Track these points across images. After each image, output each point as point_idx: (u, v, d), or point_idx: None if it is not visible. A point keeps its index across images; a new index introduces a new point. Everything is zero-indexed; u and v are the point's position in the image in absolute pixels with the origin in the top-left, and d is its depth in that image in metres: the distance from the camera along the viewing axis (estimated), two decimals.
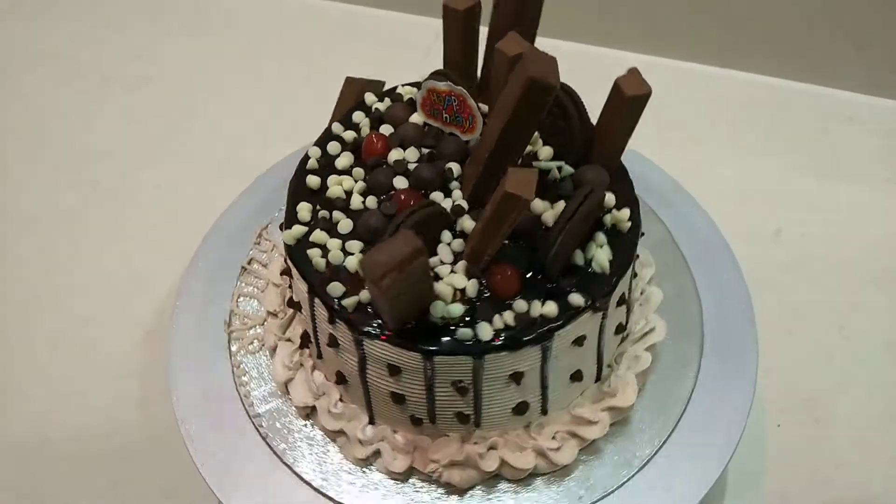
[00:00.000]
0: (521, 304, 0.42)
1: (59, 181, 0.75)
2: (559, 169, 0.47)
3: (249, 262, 0.57)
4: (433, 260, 0.43)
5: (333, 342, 0.45)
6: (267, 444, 0.49)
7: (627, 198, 0.47)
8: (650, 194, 0.58)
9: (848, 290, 0.65)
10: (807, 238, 0.68)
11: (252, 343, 0.53)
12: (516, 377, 0.43)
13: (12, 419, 0.60)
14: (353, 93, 0.53)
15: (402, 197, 0.45)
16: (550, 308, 0.42)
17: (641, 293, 0.52)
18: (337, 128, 0.51)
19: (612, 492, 0.46)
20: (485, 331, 0.41)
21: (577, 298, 0.43)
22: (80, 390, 0.61)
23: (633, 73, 0.44)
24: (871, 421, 0.58)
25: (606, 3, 0.79)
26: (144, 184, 0.74)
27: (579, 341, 0.44)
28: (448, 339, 0.41)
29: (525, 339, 0.42)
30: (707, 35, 0.78)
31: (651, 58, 0.79)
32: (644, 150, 0.58)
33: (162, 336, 0.57)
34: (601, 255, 0.44)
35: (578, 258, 0.44)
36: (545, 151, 0.48)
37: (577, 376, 0.46)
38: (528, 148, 0.48)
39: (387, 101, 0.52)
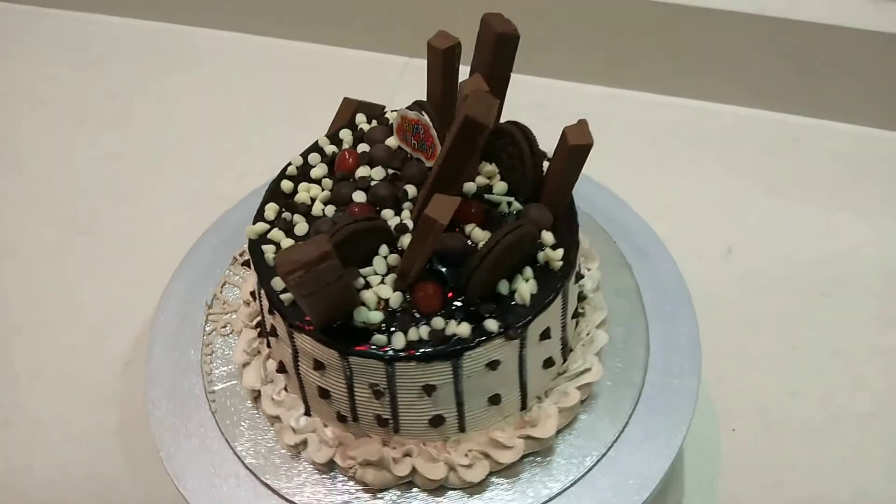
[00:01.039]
0: (437, 321, 0.45)
1: (38, 217, 0.78)
2: (509, 204, 0.50)
3: (242, 254, 0.62)
4: (366, 270, 0.47)
5: (273, 332, 0.50)
6: (214, 419, 0.54)
7: (567, 240, 0.49)
8: (624, 240, 0.61)
9: (796, 304, 0.69)
10: (757, 255, 0.72)
11: (225, 326, 0.59)
12: (428, 389, 0.46)
13: None
14: (348, 112, 0.58)
15: (356, 209, 0.49)
16: (464, 329, 0.45)
17: (587, 335, 0.54)
18: (323, 141, 0.55)
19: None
20: (398, 340, 0.45)
21: (491, 324, 0.45)
22: (61, 419, 0.63)
23: (581, 124, 0.47)
24: (820, 426, 0.62)
25: (566, 41, 0.85)
26: (121, 219, 0.77)
27: (493, 365, 0.47)
28: (363, 342, 0.45)
29: (434, 353, 0.45)
30: (660, 66, 0.85)
31: (609, 89, 0.86)
32: (600, 175, 0.63)
33: (140, 365, 0.60)
34: (524, 287, 0.46)
35: (503, 287, 0.47)
36: (500, 186, 0.51)
37: (494, 400, 0.49)
38: (485, 181, 0.51)
39: (374, 123, 0.56)
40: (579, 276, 0.54)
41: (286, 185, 0.53)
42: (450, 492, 0.50)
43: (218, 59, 0.94)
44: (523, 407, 0.51)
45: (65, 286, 0.73)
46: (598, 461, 0.51)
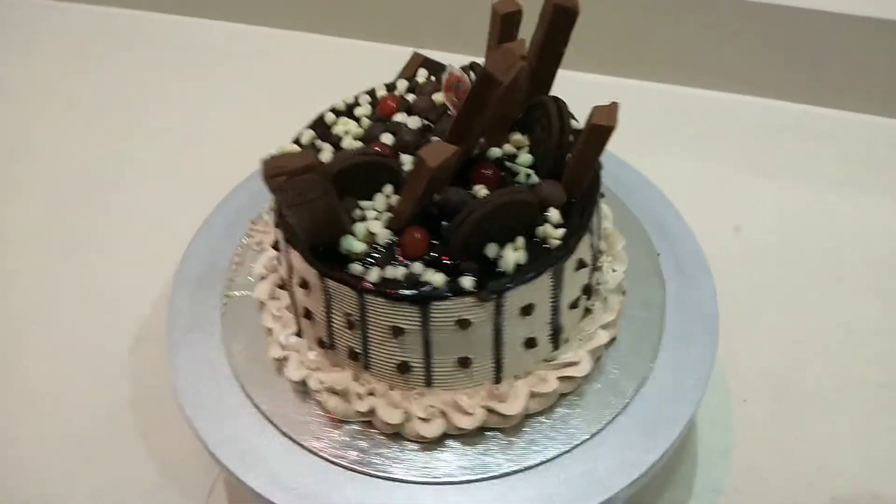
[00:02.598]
0: (416, 266, 0.46)
1: (50, 201, 0.80)
2: (528, 176, 0.50)
3: None
4: (366, 204, 0.48)
5: (276, 247, 0.52)
6: (222, 323, 0.57)
7: (574, 223, 0.48)
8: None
9: (803, 278, 0.71)
10: (764, 233, 0.75)
11: (259, 243, 0.61)
12: (396, 331, 0.47)
13: (5, 425, 0.64)
14: (414, 66, 0.59)
15: (376, 148, 0.51)
16: (437, 278, 0.45)
17: (590, 332, 0.53)
18: (379, 87, 0.57)
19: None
20: (373, 273, 0.46)
21: (466, 281, 0.45)
22: (73, 394, 0.65)
23: (612, 106, 0.46)
24: (829, 396, 0.64)
25: (583, 35, 0.86)
26: (131, 202, 0.79)
27: (463, 324, 0.47)
28: (341, 267, 0.46)
29: (403, 294, 0.45)
30: (660, 56, 0.90)
31: (614, 79, 0.91)
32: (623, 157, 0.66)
33: (151, 341, 0.64)
34: (510, 255, 0.46)
35: (491, 251, 0.47)
36: (524, 157, 0.51)
37: (464, 362, 0.49)
38: (513, 150, 0.51)
39: (432, 78, 0.58)
40: (592, 268, 0.52)
41: (329, 117, 0.55)
42: (406, 442, 0.50)
43: (227, 50, 0.96)
44: (497, 381, 0.50)
45: (74, 267, 0.74)
46: (554, 458, 0.50)
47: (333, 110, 0.56)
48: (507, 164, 0.50)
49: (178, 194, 0.77)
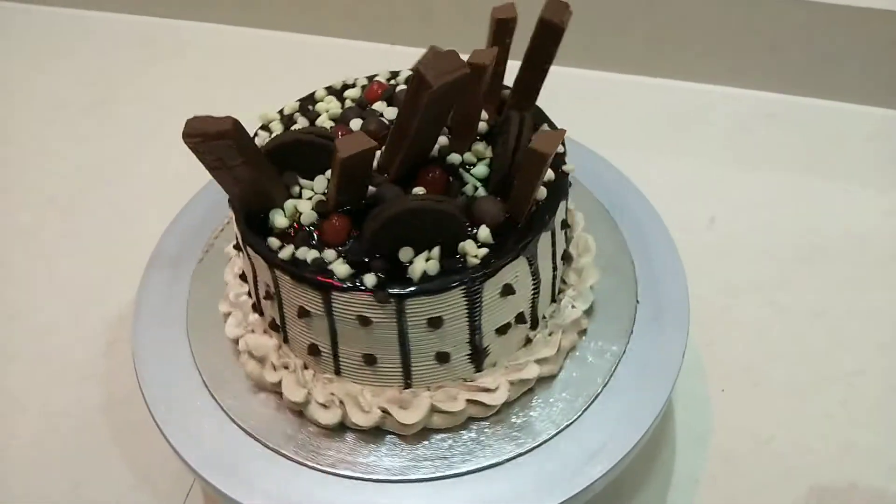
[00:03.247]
0: (329, 253, 0.46)
1: (15, 200, 0.80)
2: (475, 188, 0.48)
3: None
4: (307, 182, 0.49)
5: None
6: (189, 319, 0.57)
7: (502, 246, 0.46)
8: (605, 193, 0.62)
9: (777, 270, 0.73)
10: (738, 224, 0.77)
11: None
12: (301, 312, 0.48)
13: None
14: None
15: (338, 131, 0.51)
16: (341, 269, 0.45)
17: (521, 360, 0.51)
18: (383, 74, 0.57)
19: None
20: (286, 251, 0.47)
21: (369, 278, 0.45)
22: (41, 397, 0.65)
23: (556, 133, 0.43)
24: (806, 384, 0.65)
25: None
26: (99, 201, 0.80)
27: (363, 321, 0.47)
28: (262, 239, 0.47)
29: (305, 276, 0.46)
30: (637, 48, 0.91)
31: (589, 72, 0.91)
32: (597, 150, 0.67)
33: (121, 344, 0.64)
34: (419, 264, 0.45)
35: (405, 255, 0.46)
36: (480, 169, 0.49)
37: (369, 359, 0.49)
38: (472, 160, 0.49)
39: None
40: (534, 296, 0.50)
41: (319, 93, 0.56)
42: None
43: (196, 49, 0.98)
44: (406, 386, 0.50)
45: (42, 267, 0.74)
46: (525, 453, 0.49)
47: (328, 88, 0.56)
48: (462, 171, 0.49)
49: (150, 195, 0.78)
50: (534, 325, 0.51)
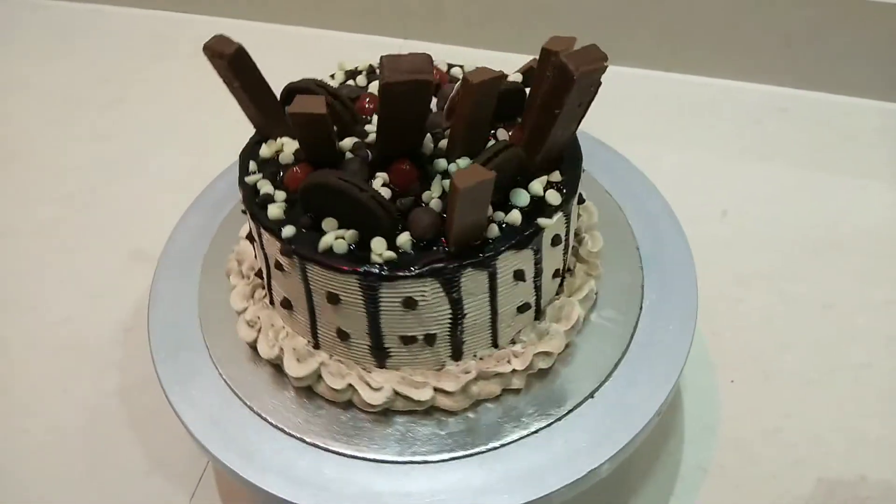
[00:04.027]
0: (279, 195, 0.50)
1: (36, 195, 0.83)
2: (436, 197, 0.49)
3: None
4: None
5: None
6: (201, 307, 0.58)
7: (408, 262, 0.46)
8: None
9: (788, 262, 0.73)
10: (749, 217, 0.77)
11: None
12: (279, 264, 0.49)
13: None
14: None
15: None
16: (273, 210, 0.49)
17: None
18: None
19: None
20: (252, 177, 0.51)
21: (287, 230, 0.48)
22: (59, 385, 0.66)
23: (474, 169, 0.43)
24: (815, 376, 0.65)
25: (559, 19, 0.92)
26: (117, 195, 0.82)
27: (332, 299, 0.48)
28: (245, 162, 0.53)
29: (250, 206, 0.50)
30: (650, 43, 0.92)
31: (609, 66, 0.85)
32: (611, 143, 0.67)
33: (136, 331, 0.65)
34: (327, 237, 0.47)
35: (326, 224, 0.48)
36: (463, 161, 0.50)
37: (342, 335, 0.50)
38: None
39: None
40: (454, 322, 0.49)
41: (343, 64, 0.60)
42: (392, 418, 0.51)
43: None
44: (380, 366, 0.51)
45: (61, 260, 0.76)
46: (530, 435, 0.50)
47: (351, 70, 0.59)
48: (437, 174, 0.49)
49: (165, 189, 0.79)
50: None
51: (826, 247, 0.74)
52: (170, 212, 0.64)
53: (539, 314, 0.52)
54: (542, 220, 0.48)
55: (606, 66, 0.44)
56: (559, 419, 0.50)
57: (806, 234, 0.75)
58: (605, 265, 0.56)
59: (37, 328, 0.71)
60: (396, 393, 0.50)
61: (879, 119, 0.86)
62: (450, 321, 0.48)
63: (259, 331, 0.53)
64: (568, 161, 0.51)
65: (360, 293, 0.47)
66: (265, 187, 0.49)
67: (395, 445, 0.49)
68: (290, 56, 0.96)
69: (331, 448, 0.49)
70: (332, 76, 0.58)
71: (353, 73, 0.59)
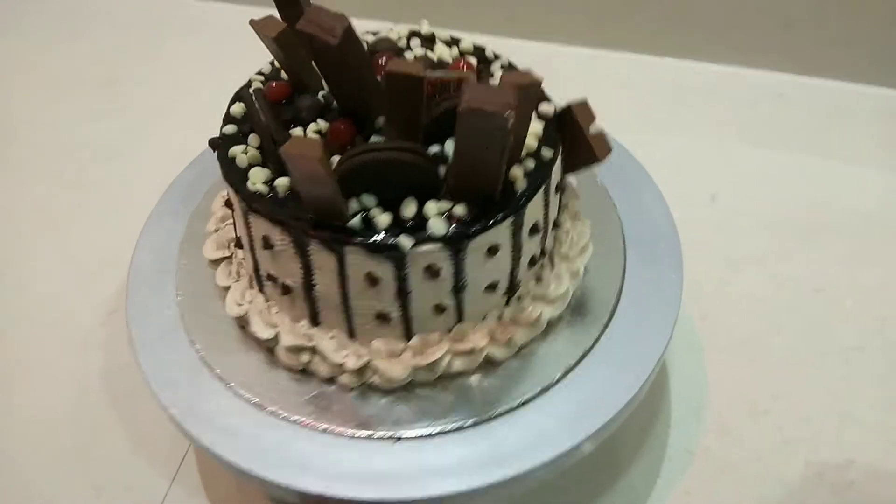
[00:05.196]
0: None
1: (25, 173, 0.82)
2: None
3: None
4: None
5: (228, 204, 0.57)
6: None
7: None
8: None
9: (778, 245, 0.73)
10: (739, 200, 0.77)
11: None
12: (266, 241, 0.49)
13: None
14: None
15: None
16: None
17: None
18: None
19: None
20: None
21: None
22: (43, 363, 0.66)
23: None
24: (805, 358, 0.65)
25: (551, 3, 0.92)
26: (107, 175, 0.81)
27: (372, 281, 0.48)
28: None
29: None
30: (643, 27, 0.91)
31: (596, 51, 0.93)
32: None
33: (121, 313, 0.60)
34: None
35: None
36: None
37: (285, 288, 0.50)
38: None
39: None
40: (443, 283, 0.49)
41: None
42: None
43: (208, 28, 0.98)
44: (352, 336, 0.50)
45: (50, 238, 0.76)
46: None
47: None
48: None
49: (157, 171, 0.74)
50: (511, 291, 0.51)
51: (819, 230, 0.74)
52: (160, 192, 0.64)
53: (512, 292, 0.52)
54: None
55: (508, 117, 0.41)
56: (537, 396, 0.49)
57: (797, 218, 0.75)
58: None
59: (23, 306, 0.71)
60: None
61: (874, 104, 0.85)
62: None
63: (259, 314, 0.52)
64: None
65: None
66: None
67: (377, 421, 0.48)
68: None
69: (317, 427, 0.48)
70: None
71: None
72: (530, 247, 0.50)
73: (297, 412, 0.49)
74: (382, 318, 0.49)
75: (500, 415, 0.49)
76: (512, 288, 0.51)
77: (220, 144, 0.51)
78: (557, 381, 0.50)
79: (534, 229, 0.49)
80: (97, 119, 0.89)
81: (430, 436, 0.48)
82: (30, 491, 0.59)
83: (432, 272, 0.46)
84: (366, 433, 0.48)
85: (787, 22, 0.85)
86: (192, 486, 0.59)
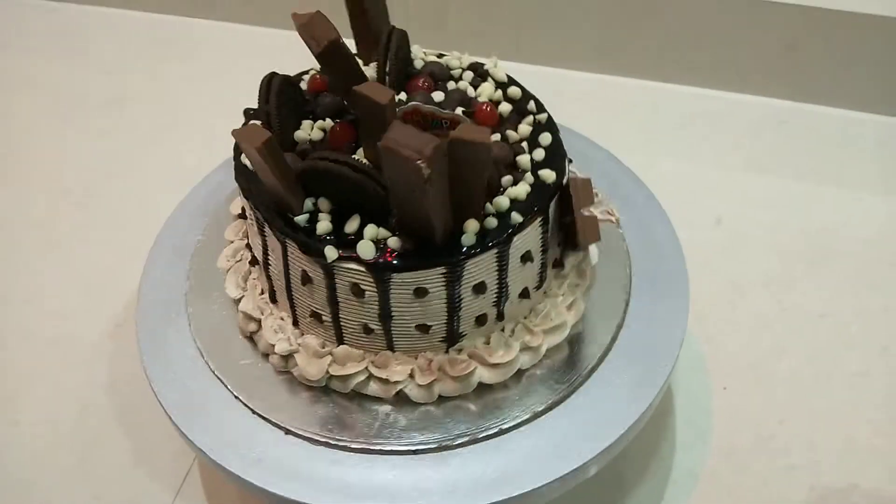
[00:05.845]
0: None
1: (32, 191, 0.82)
2: None
3: None
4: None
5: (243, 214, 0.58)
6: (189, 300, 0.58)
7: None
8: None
9: (783, 270, 0.73)
10: (744, 224, 0.77)
11: None
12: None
13: None
14: None
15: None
16: None
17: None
18: None
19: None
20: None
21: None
22: (50, 377, 0.66)
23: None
24: (809, 383, 0.65)
25: (560, 30, 0.94)
26: (113, 193, 0.82)
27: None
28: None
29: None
30: (650, 54, 0.92)
31: (604, 76, 0.93)
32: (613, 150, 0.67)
33: (126, 327, 0.65)
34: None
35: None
36: None
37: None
38: None
39: None
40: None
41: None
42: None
43: (210, 47, 0.99)
44: (295, 324, 0.52)
45: (57, 255, 0.76)
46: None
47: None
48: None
49: (161, 189, 0.75)
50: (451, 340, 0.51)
51: (823, 256, 0.74)
52: (166, 211, 0.64)
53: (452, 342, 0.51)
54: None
55: (426, 172, 0.40)
56: (542, 414, 0.49)
57: (802, 243, 0.75)
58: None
59: (30, 321, 0.71)
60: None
61: (876, 132, 0.86)
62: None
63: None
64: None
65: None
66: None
67: (376, 434, 0.49)
68: (286, 60, 0.97)
69: (321, 440, 0.49)
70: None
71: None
72: (477, 304, 0.49)
73: (308, 427, 0.49)
74: (316, 317, 0.50)
75: (506, 432, 0.49)
76: (451, 337, 0.50)
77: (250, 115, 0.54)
78: (562, 400, 0.50)
79: (478, 288, 0.48)
80: (102, 136, 0.90)
81: (437, 449, 0.48)
82: (33, 503, 0.59)
83: (357, 291, 0.47)
84: (378, 448, 0.48)
85: (790, 50, 0.87)
86: (196, 499, 0.59)
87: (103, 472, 0.61)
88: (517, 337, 0.51)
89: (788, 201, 0.79)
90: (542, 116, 0.54)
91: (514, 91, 0.55)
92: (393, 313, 0.48)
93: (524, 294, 0.51)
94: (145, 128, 0.90)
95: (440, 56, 0.58)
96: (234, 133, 0.46)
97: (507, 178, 0.49)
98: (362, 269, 0.46)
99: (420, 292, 0.47)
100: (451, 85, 0.55)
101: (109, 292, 0.72)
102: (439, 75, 0.56)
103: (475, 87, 0.55)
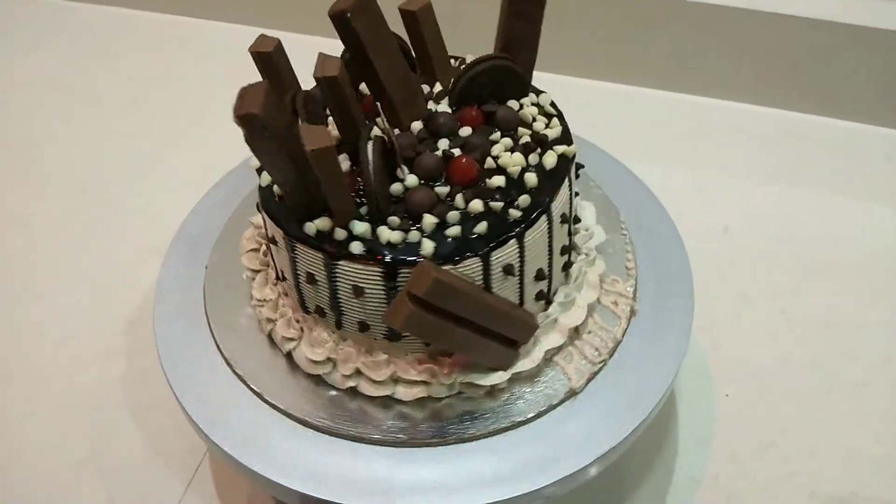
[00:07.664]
0: None
1: (49, 189, 0.84)
2: None
3: None
4: None
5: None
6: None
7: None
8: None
9: (789, 279, 0.74)
10: (751, 234, 0.78)
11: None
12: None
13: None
14: None
15: None
16: None
17: None
18: None
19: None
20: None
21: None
22: (64, 372, 0.68)
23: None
24: (812, 393, 0.66)
25: (573, 40, 0.94)
26: (129, 191, 0.83)
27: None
28: None
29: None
30: (662, 64, 0.93)
31: (620, 86, 0.95)
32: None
33: (142, 323, 0.67)
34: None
35: None
36: None
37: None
38: None
39: None
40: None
41: None
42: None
43: (225, 49, 0.99)
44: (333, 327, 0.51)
45: (73, 253, 0.78)
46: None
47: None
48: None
49: (177, 188, 0.76)
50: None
51: (828, 267, 0.75)
52: (181, 210, 0.65)
53: None
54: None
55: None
56: (544, 415, 0.50)
57: (809, 254, 0.76)
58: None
59: (45, 317, 0.73)
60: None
61: (883, 145, 0.87)
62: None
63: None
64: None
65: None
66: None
67: (397, 430, 0.50)
68: (301, 64, 0.98)
69: (335, 433, 0.49)
70: None
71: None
72: None
73: (317, 418, 0.50)
74: (320, 311, 0.50)
75: (505, 432, 0.50)
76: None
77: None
78: (565, 402, 0.51)
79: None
80: (120, 136, 0.91)
81: (440, 446, 0.49)
82: (45, 498, 0.61)
83: (357, 290, 0.48)
84: (383, 446, 0.49)
85: (798, 63, 0.87)
86: (206, 494, 0.60)
87: (115, 466, 0.62)
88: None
89: (795, 212, 0.80)
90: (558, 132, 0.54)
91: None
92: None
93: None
94: (162, 128, 0.92)
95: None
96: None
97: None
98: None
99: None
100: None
101: (124, 291, 0.73)
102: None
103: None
